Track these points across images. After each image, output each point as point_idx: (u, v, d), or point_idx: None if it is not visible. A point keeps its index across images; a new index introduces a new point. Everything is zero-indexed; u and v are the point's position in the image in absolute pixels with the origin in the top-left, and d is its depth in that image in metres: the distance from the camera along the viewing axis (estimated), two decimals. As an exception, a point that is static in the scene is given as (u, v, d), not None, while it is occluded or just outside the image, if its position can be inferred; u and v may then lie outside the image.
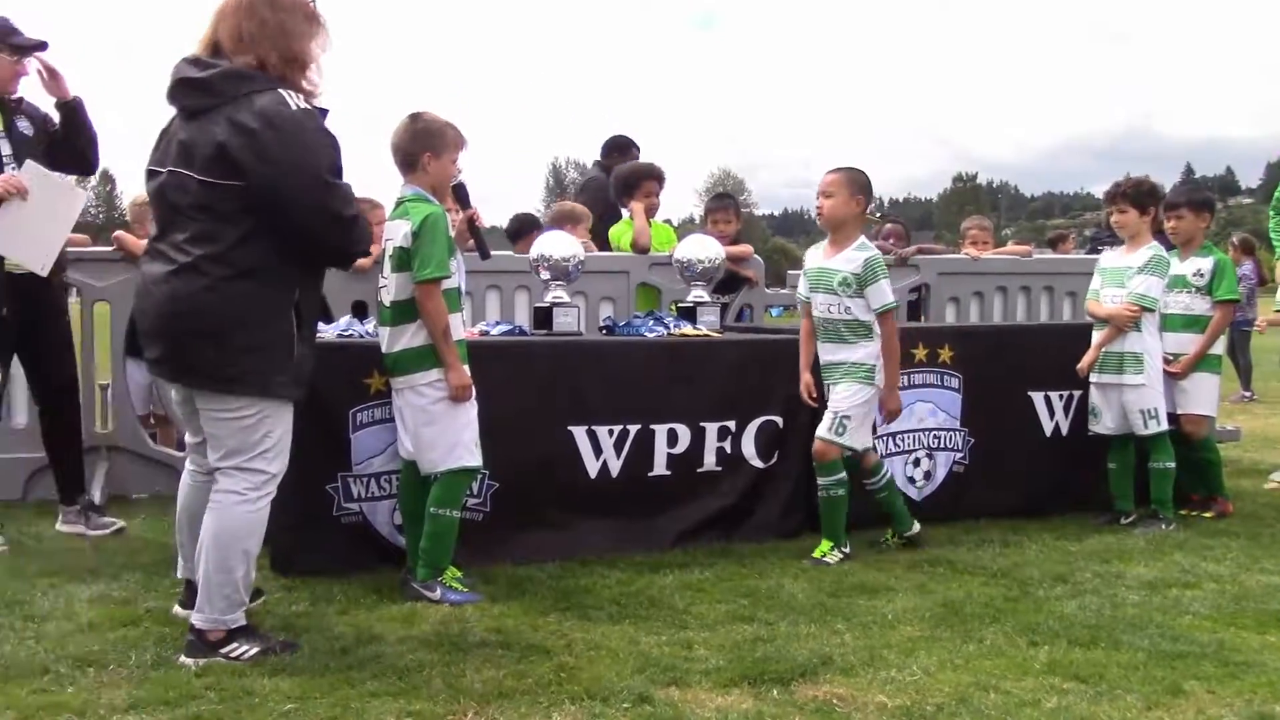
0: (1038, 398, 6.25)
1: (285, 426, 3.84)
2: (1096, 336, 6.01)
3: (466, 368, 4.53)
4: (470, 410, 4.55)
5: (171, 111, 3.84)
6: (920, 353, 5.96)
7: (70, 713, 3.29)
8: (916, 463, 5.98)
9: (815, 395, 5.34)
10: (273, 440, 3.79)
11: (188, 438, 4.12)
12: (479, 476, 4.84)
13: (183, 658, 3.72)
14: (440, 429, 4.49)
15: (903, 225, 9.09)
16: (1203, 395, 6.23)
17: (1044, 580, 4.85)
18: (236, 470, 3.77)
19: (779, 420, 5.64)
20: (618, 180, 7.63)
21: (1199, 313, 6.27)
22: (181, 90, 3.76)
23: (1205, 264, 6.31)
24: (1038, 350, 6.24)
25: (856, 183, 5.21)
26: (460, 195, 4.78)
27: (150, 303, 3.76)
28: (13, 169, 5.30)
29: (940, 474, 6.04)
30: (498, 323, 5.79)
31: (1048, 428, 6.27)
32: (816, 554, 5.15)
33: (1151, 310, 5.89)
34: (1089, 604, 4.50)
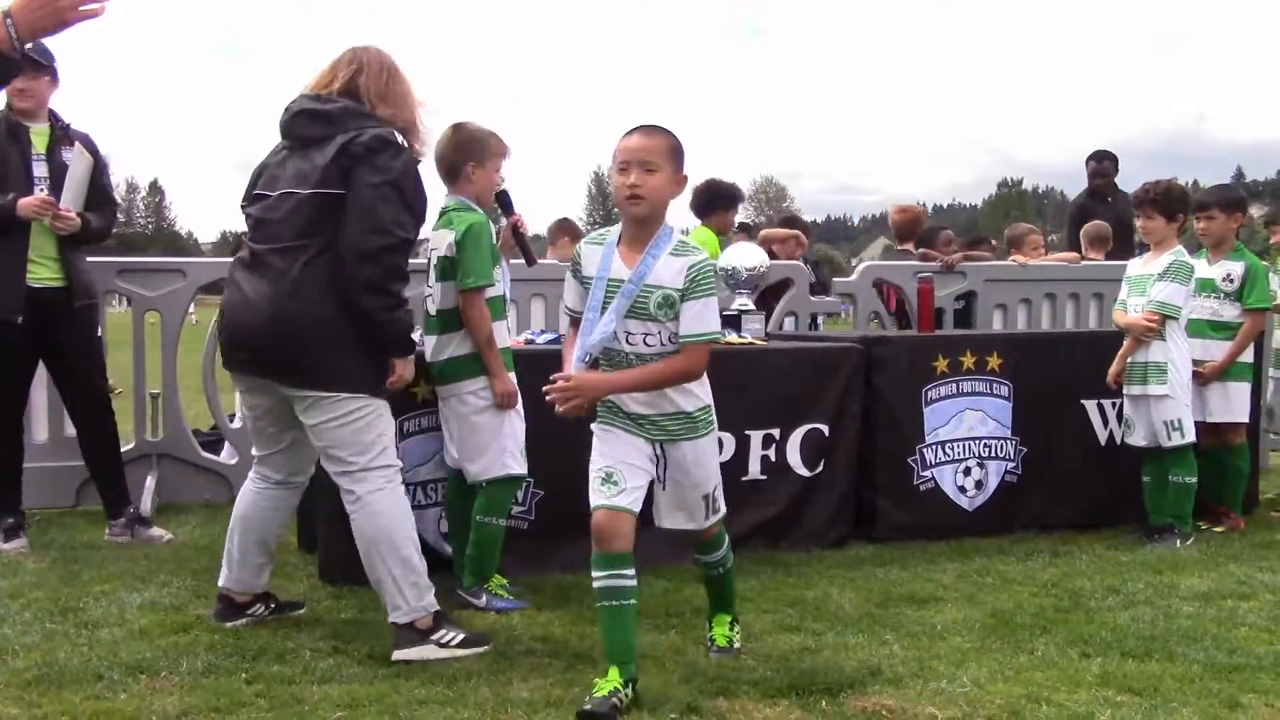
0: (1091, 406, 6.16)
1: (391, 424, 4.03)
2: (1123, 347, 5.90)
3: (512, 375, 4.54)
4: (516, 419, 4.56)
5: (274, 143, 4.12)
6: (969, 360, 5.90)
7: (122, 719, 3.33)
8: (967, 472, 5.92)
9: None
10: (387, 438, 3.97)
11: (256, 451, 4.21)
12: (524, 485, 4.85)
13: (395, 653, 3.82)
14: (486, 438, 4.50)
15: (950, 232, 9.05)
16: (1235, 403, 6.06)
17: (1096, 591, 4.79)
18: (364, 471, 3.90)
19: (825, 429, 5.61)
20: (710, 195, 7.99)
21: (1227, 319, 6.09)
22: (301, 120, 3.99)
23: (1236, 268, 6.09)
24: (1090, 358, 6.09)
25: (679, 152, 3.60)
26: (504, 203, 4.80)
27: (259, 309, 3.88)
28: (44, 194, 5.45)
29: (992, 484, 5.96)
30: (543, 331, 5.80)
31: (1102, 437, 6.18)
32: (720, 641, 4.00)
33: (1174, 318, 5.68)
34: (1142, 615, 4.43)
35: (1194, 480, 5.69)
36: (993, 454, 5.96)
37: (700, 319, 3.56)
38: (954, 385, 5.88)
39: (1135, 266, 5.98)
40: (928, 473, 5.83)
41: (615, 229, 3.66)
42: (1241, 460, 6.11)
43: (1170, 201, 5.79)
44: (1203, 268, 6.15)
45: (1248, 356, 6.13)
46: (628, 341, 3.60)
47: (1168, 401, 5.67)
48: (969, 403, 5.91)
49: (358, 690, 3.54)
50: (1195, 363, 5.95)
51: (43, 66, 5.49)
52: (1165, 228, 5.78)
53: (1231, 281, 6.07)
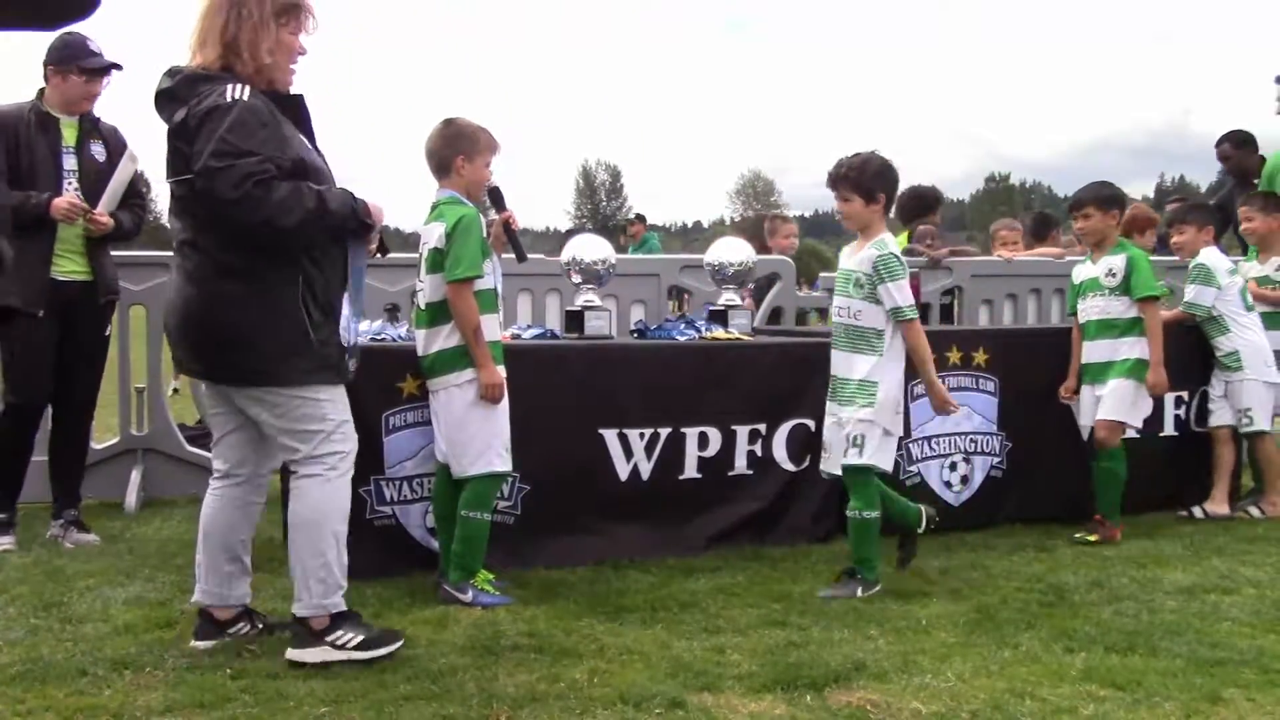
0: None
1: (341, 404, 3.86)
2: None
3: (502, 369, 4.54)
4: (502, 415, 4.56)
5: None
6: (955, 355, 5.92)
7: (107, 715, 3.33)
8: (953, 467, 5.94)
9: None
10: (335, 421, 3.82)
11: (214, 433, 4.08)
12: (510, 479, 4.85)
13: (290, 651, 3.76)
14: (472, 433, 4.50)
15: (935, 227, 9.05)
16: (1119, 401, 5.73)
17: (1080, 586, 4.81)
18: (306, 459, 3.80)
19: (810, 424, 5.61)
20: (915, 202, 8.51)
21: (1115, 315, 5.80)
22: (159, 103, 3.80)
23: (1117, 262, 5.81)
24: (1075, 352, 6.09)
25: None
26: (495, 198, 4.80)
27: (175, 309, 3.83)
28: (74, 188, 5.46)
29: (977, 478, 5.99)
30: (529, 326, 5.80)
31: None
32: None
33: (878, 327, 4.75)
34: (1126, 610, 4.45)
35: (874, 514, 4.75)
36: (978, 449, 5.98)
37: None
38: (940, 380, 5.88)
39: (843, 257, 5.03)
40: (914, 468, 5.84)
41: None
42: (1115, 463, 5.74)
43: (866, 179, 4.79)
44: (1086, 269, 6.00)
45: (1140, 353, 5.77)
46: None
47: (863, 425, 4.75)
48: (955, 398, 5.90)
49: (343, 686, 3.54)
50: (1099, 366, 5.80)
51: (105, 70, 5.52)
52: (865, 210, 4.80)
53: (1114, 276, 5.81)
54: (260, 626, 4.06)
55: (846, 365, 4.82)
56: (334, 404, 3.83)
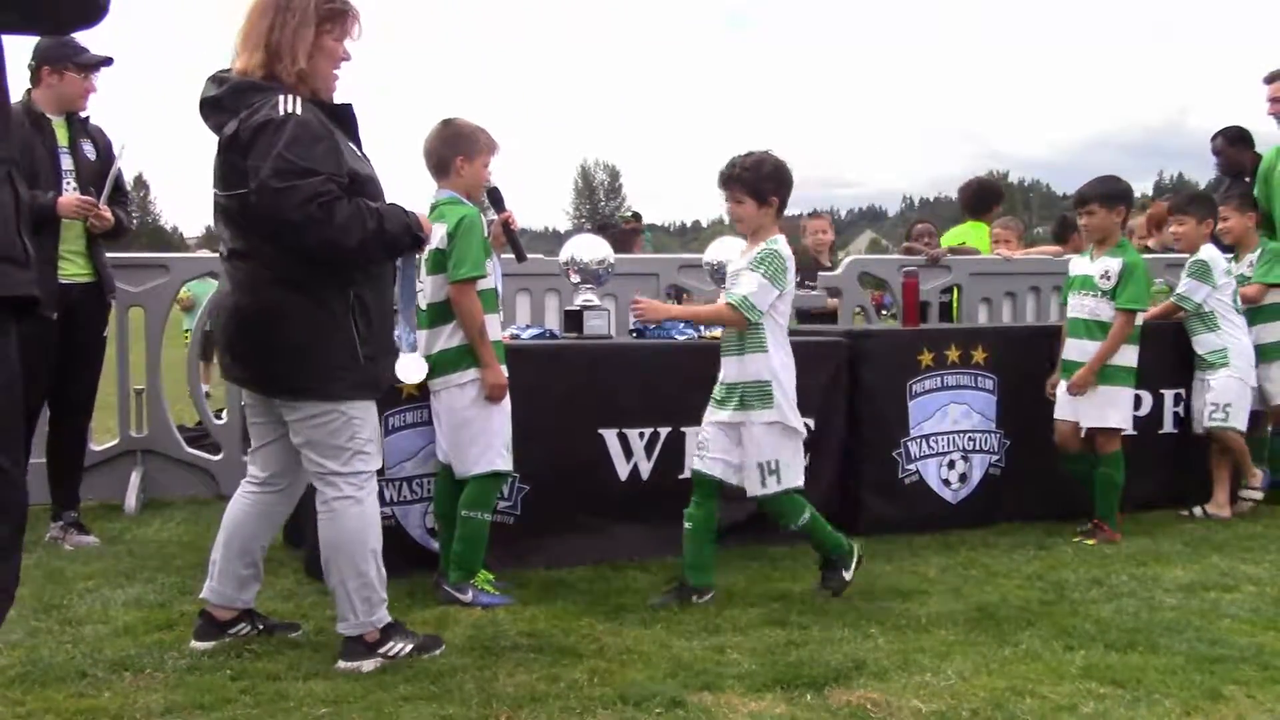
0: (1073, 399, 6.15)
1: (372, 421, 3.82)
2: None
3: (504, 368, 4.55)
4: (504, 415, 4.56)
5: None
6: (953, 353, 5.92)
7: (107, 716, 3.32)
8: (951, 465, 5.94)
9: None
10: (363, 439, 3.76)
11: (253, 441, 4.06)
12: (510, 480, 4.85)
13: (341, 663, 3.74)
14: (474, 432, 4.50)
15: (932, 225, 9.07)
16: (1109, 409, 5.68)
17: (1080, 583, 4.81)
18: (336, 476, 3.75)
19: (810, 423, 5.60)
20: (980, 193, 8.84)
21: (1105, 319, 5.69)
22: (204, 111, 3.74)
23: (1114, 265, 5.68)
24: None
25: None
26: (495, 199, 4.80)
27: (226, 317, 3.79)
28: (73, 187, 5.47)
29: (976, 476, 5.99)
30: (528, 326, 5.80)
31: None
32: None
33: (753, 321, 4.46)
34: (1126, 607, 4.46)
35: (808, 515, 4.58)
36: (977, 447, 5.98)
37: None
38: (938, 379, 5.90)
39: (735, 259, 4.81)
40: (912, 466, 5.85)
41: None
42: (1114, 469, 5.70)
43: (759, 180, 4.54)
44: (1084, 264, 5.92)
45: (1130, 360, 5.73)
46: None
47: (776, 431, 4.51)
48: (953, 396, 5.93)
49: (343, 686, 3.54)
50: (1079, 365, 5.70)
51: (97, 66, 5.54)
52: (757, 213, 4.56)
53: (1109, 279, 5.68)
54: (260, 628, 4.05)
55: (738, 369, 4.54)
56: (365, 422, 3.78)
